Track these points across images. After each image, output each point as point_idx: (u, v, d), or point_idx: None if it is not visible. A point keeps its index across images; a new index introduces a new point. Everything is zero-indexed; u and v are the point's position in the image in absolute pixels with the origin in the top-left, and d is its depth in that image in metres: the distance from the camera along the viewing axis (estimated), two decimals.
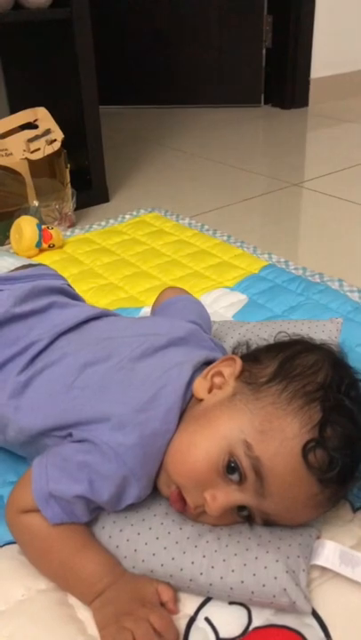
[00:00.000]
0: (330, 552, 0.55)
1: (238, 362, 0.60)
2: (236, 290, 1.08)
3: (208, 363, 0.64)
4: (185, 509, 0.56)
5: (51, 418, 0.60)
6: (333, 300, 1.01)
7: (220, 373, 0.60)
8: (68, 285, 0.80)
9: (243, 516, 0.55)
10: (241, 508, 0.54)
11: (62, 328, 0.67)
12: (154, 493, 0.59)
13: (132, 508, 0.57)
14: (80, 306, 0.75)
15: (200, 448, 0.54)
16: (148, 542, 0.55)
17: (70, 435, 0.58)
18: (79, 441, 0.57)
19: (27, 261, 1.01)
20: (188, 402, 0.59)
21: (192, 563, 0.53)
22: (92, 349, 0.64)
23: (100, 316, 0.72)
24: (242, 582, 0.52)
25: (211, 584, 0.52)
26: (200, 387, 0.59)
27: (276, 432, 0.52)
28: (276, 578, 0.51)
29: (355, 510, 0.62)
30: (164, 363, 0.62)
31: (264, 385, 0.55)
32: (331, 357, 0.59)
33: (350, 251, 1.26)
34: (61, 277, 0.82)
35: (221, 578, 0.52)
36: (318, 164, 1.91)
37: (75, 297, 0.79)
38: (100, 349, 0.64)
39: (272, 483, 0.51)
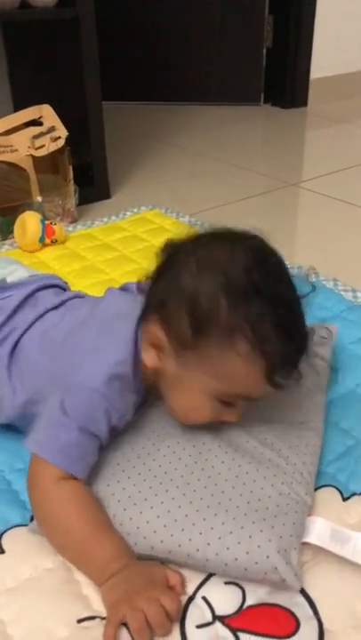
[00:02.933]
0: (321, 529, 0.59)
1: (161, 335, 0.63)
2: None
3: None
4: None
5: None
6: (328, 299, 1.04)
7: (155, 342, 0.64)
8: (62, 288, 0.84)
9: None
10: None
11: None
12: (158, 475, 0.63)
13: (134, 488, 0.61)
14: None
15: (195, 411, 0.65)
16: (150, 520, 0.58)
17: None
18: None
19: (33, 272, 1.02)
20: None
21: (190, 540, 0.57)
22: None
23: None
24: (236, 559, 0.56)
25: (207, 560, 0.56)
26: (149, 359, 0.64)
27: (230, 373, 0.60)
28: (268, 557, 0.55)
29: (344, 499, 0.65)
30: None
31: (191, 343, 0.60)
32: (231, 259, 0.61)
33: (345, 251, 1.30)
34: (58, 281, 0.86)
35: (217, 554, 0.56)
36: (316, 164, 1.94)
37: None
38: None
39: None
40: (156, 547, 0.57)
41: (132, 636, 0.51)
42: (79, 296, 0.79)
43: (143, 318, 0.65)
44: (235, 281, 0.58)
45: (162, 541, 0.57)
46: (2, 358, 0.70)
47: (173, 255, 0.64)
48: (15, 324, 0.72)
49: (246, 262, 0.60)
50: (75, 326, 0.69)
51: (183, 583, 0.56)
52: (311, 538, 0.58)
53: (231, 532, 0.57)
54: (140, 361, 0.65)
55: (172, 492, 0.61)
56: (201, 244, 0.64)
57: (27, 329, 0.71)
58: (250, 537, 0.56)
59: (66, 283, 0.86)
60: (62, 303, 0.75)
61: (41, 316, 0.72)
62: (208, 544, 0.56)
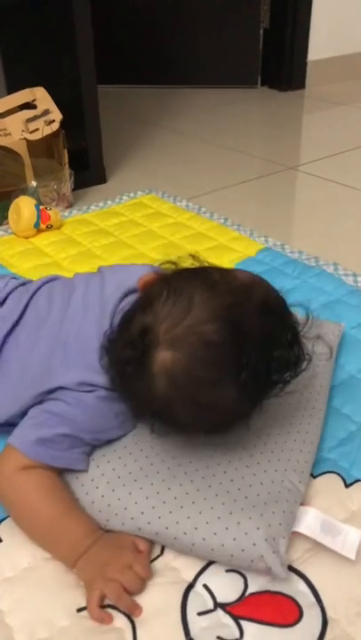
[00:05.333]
0: (312, 520, 0.58)
1: None
2: None
3: None
4: None
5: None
6: (328, 284, 1.03)
7: None
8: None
9: None
10: None
11: None
12: (149, 455, 0.62)
13: (125, 468, 0.61)
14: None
15: None
16: (138, 502, 0.58)
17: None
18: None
19: None
20: None
21: (177, 523, 0.56)
22: None
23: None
24: (222, 545, 0.55)
25: (193, 544, 0.56)
26: None
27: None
28: (254, 544, 0.54)
29: (347, 486, 0.64)
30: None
31: None
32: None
33: (345, 235, 1.28)
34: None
35: (203, 539, 0.55)
36: (315, 147, 1.91)
37: None
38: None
39: None
40: (143, 528, 0.57)
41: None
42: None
43: None
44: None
45: (149, 523, 0.57)
46: None
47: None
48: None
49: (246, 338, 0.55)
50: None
51: (150, 549, 0.58)
52: (301, 528, 0.58)
53: (219, 518, 0.56)
54: None
55: (163, 474, 0.60)
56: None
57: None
58: (238, 523, 0.56)
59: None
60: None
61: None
62: (195, 528, 0.56)
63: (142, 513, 0.57)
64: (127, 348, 0.57)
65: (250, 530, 0.55)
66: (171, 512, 0.57)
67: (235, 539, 0.55)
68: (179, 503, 0.58)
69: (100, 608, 0.53)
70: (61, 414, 0.61)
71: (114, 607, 0.53)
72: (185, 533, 0.56)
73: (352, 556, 0.56)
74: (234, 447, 0.64)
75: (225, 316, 0.55)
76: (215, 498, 0.58)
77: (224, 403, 0.56)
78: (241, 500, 0.58)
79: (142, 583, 0.54)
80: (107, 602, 0.54)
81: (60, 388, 0.62)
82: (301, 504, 0.60)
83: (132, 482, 0.60)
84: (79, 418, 0.61)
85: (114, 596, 0.53)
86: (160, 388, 0.55)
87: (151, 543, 0.58)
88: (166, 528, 0.56)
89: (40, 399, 0.63)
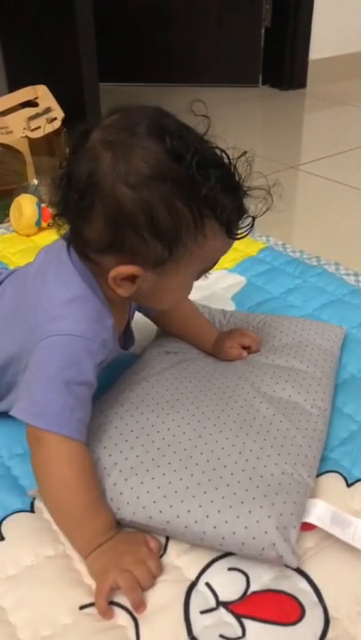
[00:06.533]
0: (322, 512, 0.59)
1: (129, 269, 0.58)
2: (235, 272, 1.09)
3: None
4: None
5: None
6: (330, 283, 1.03)
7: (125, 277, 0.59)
8: None
9: None
10: None
11: None
12: (161, 447, 0.62)
13: (137, 459, 0.61)
14: None
15: (180, 297, 0.69)
16: (150, 490, 0.58)
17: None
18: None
19: None
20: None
21: (188, 511, 0.57)
22: None
23: None
24: (234, 533, 0.55)
25: (204, 532, 0.56)
26: (124, 291, 0.60)
27: (208, 253, 0.60)
28: (266, 532, 0.54)
29: (349, 485, 0.65)
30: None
31: (168, 258, 0.57)
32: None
33: (347, 234, 1.28)
34: None
35: (215, 527, 0.56)
36: (315, 146, 1.91)
37: None
38: None
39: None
40: (154, 517, 0.57)
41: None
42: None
43: (89, 264, 0.61)
44: (174, 177, 0.54)
45: (161, 512, 0.57)
46: None
47: (89, 186, 0.55)
48: None
49: (163, 146, 0.55)
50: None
51: (160, 549, 0.58)
52: (312, 518, 0.58)
53: (231, 507, 0.57)
54: (99, 290, 0.62)
55: (175, 465, 0.61)
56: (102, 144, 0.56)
57: None
58: (249, 512, 0.56)
59: None
60: None
61: None
62: (207, 517, 0.56)
63: (154, 502, 0.58)
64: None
65: (261, 518, 0.55)
66: (182, 501, 0.57)
67: (246, 527, 0.55)
68: (190, 492, 0.58)
69: (108, 598, 0.53)
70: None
71: (117, 604, 0.53)
72: (196, 522, 0.56)
73: None
74: (245, 440, 0.64)
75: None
76: (227, 488, 0.58)
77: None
78: (252, 490, 0.58)
79: (154, 579, 0.55)
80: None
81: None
82: (310, 497, 0.61)
83: (145, 472, 0.60)
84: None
85: (127, 585, 0.53)
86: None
87: (161, 542, 0.59)
88: (178, 516, 0.57)
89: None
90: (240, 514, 0.56)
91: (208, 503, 0.57)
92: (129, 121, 0.57)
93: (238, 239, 0.61)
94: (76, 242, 0.60)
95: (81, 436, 0.59)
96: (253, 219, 0.62)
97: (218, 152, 0.60)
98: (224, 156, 0.60)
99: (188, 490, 0.58)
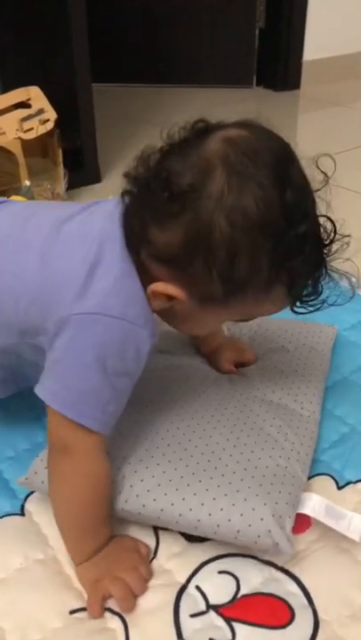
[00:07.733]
0: (316, 504, 0.59)
1: (176, 292, 0.54)
2: None
3: None
4: None
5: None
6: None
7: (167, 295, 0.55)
8: None
9: None
10: None
11: None
12: (155, 439, 0.63)
13: (130, 446, 0.61)
14: None
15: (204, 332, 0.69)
16: (144, 479, 0.58)
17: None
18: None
19: None
20: None
21: (183, 499, 0.57)
22: None
23: None
24: (229, 520, 0.55)
25: (199, 520, 0.56)
26: (157, 304, 0.55)
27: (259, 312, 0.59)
28: (262, 519, 0.55)
29: (339, 488, 0.65)
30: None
31: (221, 300, 0.53)
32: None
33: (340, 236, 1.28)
34: None
35: (210, 515, 0.56)
36: (309, 147, 1.91)
37: None
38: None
39: None
40: (147, 505, 0.57)
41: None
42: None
43: (134, 259, 0.54)
44: (276, 236, 0.50)
45: (154, 500, 0.57)
46: None
47: (187, 197, 0.50)
48: None
49: (281, 198, 0.51)
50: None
51: (149, 555, 0.58)
52: (306, 510, 0.59)
53: (226, 495, 0.57)
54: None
55: (169, 456, 0.61)
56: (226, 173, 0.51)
57: None
58: (245, 500, 0.56)
59: None
60: None
61: None
62: (202, 504, 0.56)
63: (148, 490, 0.58)
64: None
65: (257, 505, 0.56)
66: (177, 489, 0.57)
67: (242, 514, 0.55)
68: (185, 481, 0.58)
69: (101, 605, 0.53)
70: None
71: (107, 609, 0.53)
72: (191, 509, 0.56)
73: (357, 538, 0.57)
74: (239, 435, 0.64)
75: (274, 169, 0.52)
76: (222, 477, 0.59)
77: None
78: (248, 479, 0.58)
79: (146, 585, 0.55)
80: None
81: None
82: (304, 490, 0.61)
83: (138, 461, 0.60)
84: None
85: (120, 594, 0.53)
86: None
87: (150, 548, 0.58)
88: (172, 504, 0.57)
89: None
90: (235, 501, 0.56)
91: (203, 491, 0.57)
92: (256, 146, 0.53)
93: (297, 313, 0.58)
94: (136, 234, 0.54)
95: (109, 431, 0.55)
96: (323, 303, 0.58)
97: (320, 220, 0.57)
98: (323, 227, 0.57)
99: (183, 479, 0.58)
